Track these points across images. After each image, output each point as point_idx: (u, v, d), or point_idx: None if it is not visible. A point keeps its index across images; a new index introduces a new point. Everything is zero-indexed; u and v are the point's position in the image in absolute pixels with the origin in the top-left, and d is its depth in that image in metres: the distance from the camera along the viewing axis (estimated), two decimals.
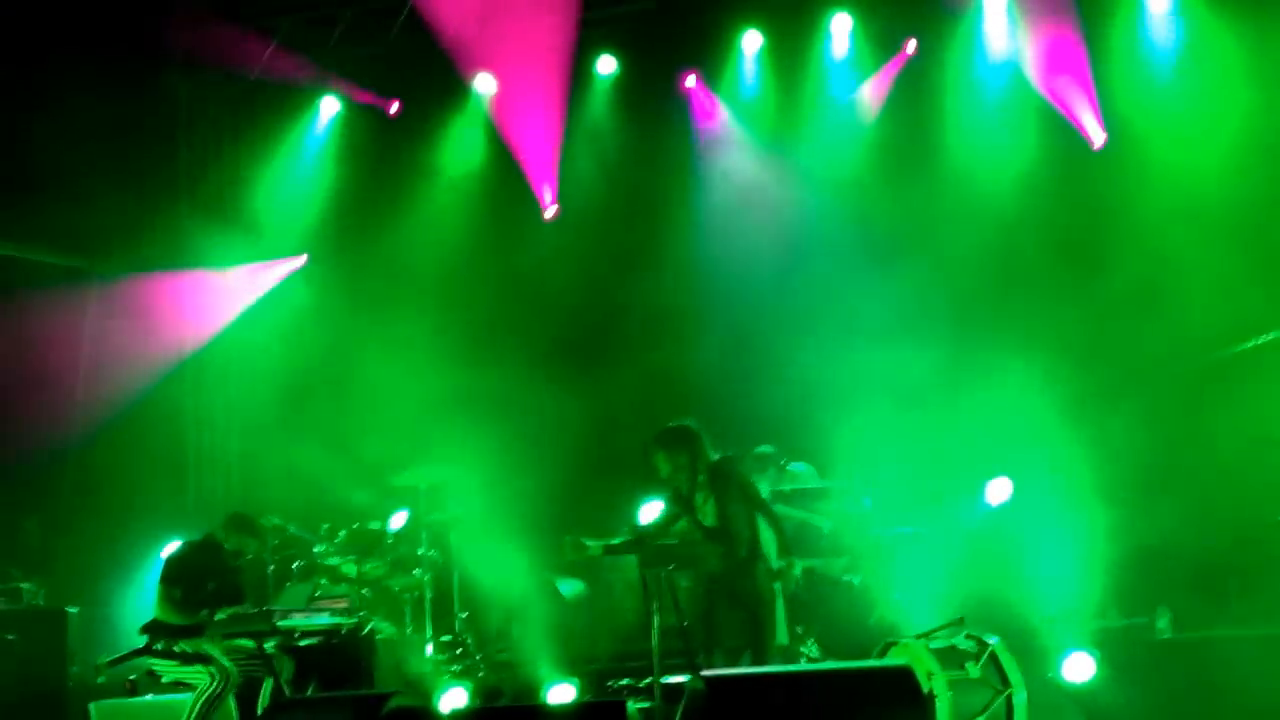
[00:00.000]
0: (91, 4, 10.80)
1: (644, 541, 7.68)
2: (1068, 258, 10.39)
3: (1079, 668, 8.35)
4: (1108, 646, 8.41)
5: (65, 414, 11.00)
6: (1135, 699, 8.05)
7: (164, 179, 12.13)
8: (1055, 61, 10.90)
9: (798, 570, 7.48)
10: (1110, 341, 9.94)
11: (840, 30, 11.60)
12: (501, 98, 12.08)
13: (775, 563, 7.51)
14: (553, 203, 12.09)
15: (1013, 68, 11.08)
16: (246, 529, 8.20)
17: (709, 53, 11.90)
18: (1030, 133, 10.99)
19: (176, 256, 12.06)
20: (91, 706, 8.23)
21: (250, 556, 8.33)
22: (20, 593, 9.30)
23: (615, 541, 7.88)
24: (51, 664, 9.01)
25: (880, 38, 11.56)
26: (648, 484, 7.66)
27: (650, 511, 7.84)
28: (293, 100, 12.27)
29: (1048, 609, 8.56)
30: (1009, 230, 10.49)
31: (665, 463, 7.56)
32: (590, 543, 7.91)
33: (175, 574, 7.96)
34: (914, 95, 11.35)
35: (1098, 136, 10.87)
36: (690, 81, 12.01)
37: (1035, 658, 8.04)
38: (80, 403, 11.10)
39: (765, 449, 9.55)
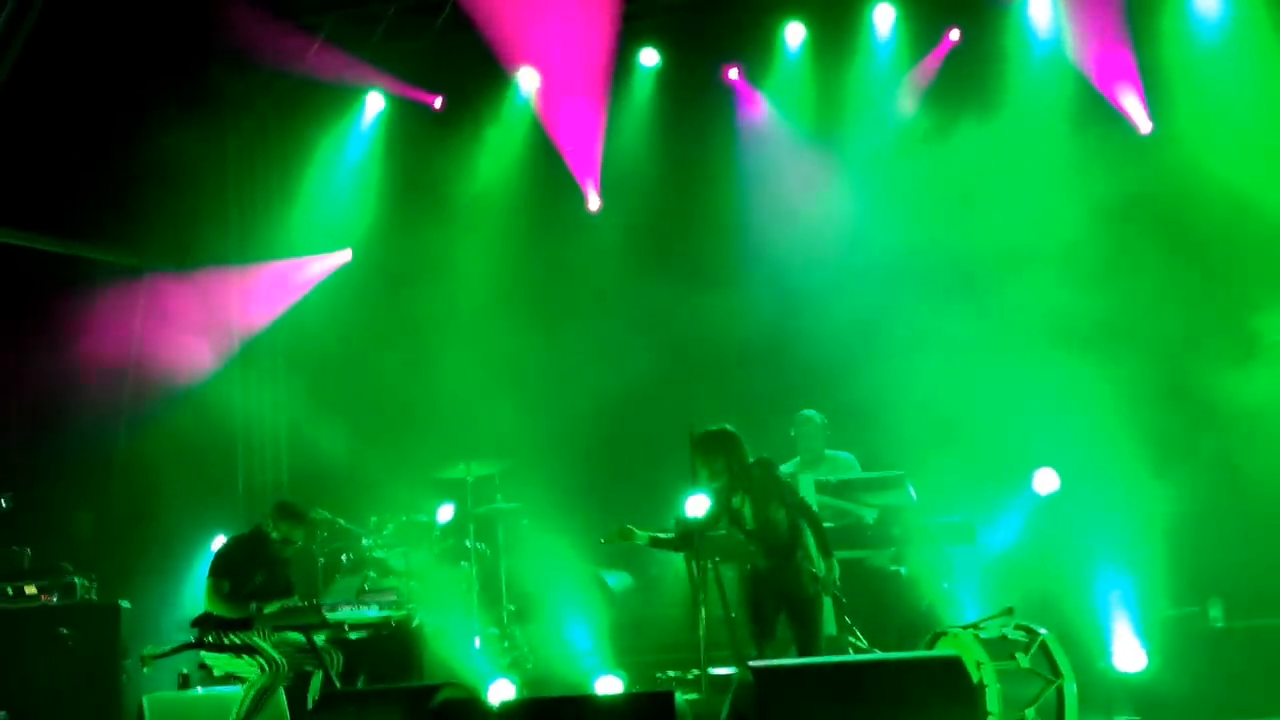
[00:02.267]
0: (139, 4, 10.88)
1: (689, 537, 7.68)
2: (1118, 245, 10.28)
3: (1131, 658, 8.30)
4: (1160, 636, 8.36)
5: (116, 409, 11.12)
6: (1188, 688, 7.99)
7: (212, 176, 12.22)
8: (1101, 48, 10.78)
9: (836, 574, 7.46)
10: (1163, 329, 9.83)
11: (884, 21, 11.54)
12: (545, 91, 12.10)
13: (817, 565, 7.48)
14: (596, 195, 12.10)
15: (1058, 56, 10.98)
16: (293, 516, 8.22)
17: (752, 45, 11.87)
18: (1077, 121, 10.89)
19: (224, 252, 12.16)
20: (144, 699, 8.31)
21: (298, 544, 8.34)
22: (74, 587, 9.37)
23: (663, 535, 7.89)
24: (105, 657, 9.07)
25: (924, 28, 11.49)
26: (693, 477, 7.62)
27: (695, 504, 7.83)
28: (338, 97, 12.33)
29: (1097, 599, 8.49)
30: (1057, 218, 10.40)
31: (703, 467, 7.57)
32: (638, 531, 7.92)
33: (224, 567, 8.02)
34: (958, 85, 11.26)
35: (1144, 124, 10.76)
36: (733, 74, 11.98)
37: (1086, 648, 8.00)
38: (131, 398, 11.22)
39: (810, 413, 9.55)
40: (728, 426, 7.68)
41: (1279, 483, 8.82)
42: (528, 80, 12.10)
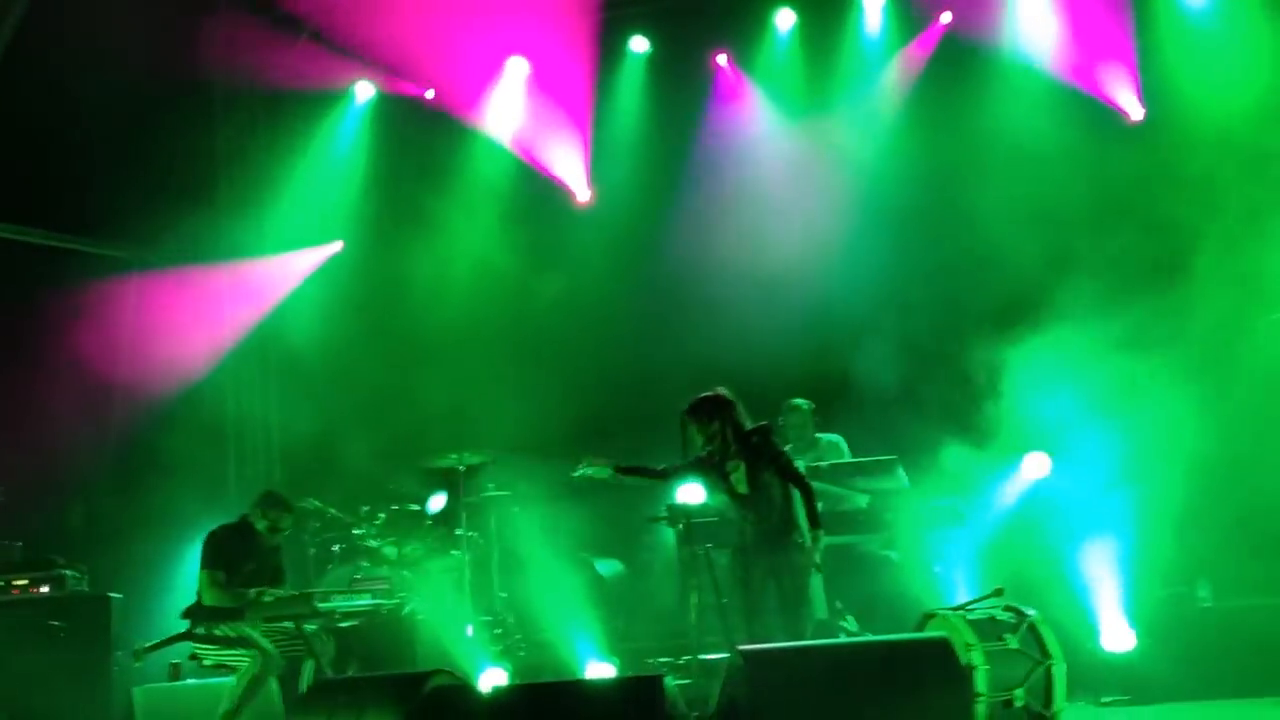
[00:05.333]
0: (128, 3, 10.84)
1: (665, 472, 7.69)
2: (1113, 227, 10.28)
3: (1119, 638, 8.33)
4: (1148, 616, 8.38)
5: (107, 402, 11.11)
6: (1176, 669, 8.02)
7: (202, 171, 12.20)
8: (1091, 40, 10.77)
9: (822, 544, 7.47)
10: (1152, 309, 9.83)
11: (873, 5, 11.53)
12: (533, 81, 12.09)
13: (804, 536, 7.50)
14: (586, 186, 12.10)
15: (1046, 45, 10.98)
16: (279, 504, 8.22)
17: (742, 31, 11.86)
18: (1068, 104, 10.89)
19: (215, 247, 12.14)
20: (135, 691, 8.31)
21: (286, 532, 8.35)
22: (64, 579, 9.36)
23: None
24: (96, 650, 9.07)
25: (914, 12, 11.48)
26: (684, 446, 7.64)
27: (688, 492, 7.85)
28: (327, 89, 12.30)
29: (1086, 580, 8.52)
30: (1048, 201, 10.40)
31: (699, 432, 7.58)
32: (602, 468, 7.91)
33: (216, 557, 8.01)
34: (949, 69, 11.25)
35: (1135, 111, 10.76)
36: (722, 60, 11.96)
37: (1075, 629, 8.01)
38: (122, 391, 11.21)
39: (800, 402, 9.58)
40: (721, 391, 7.67)
41: (1267, 463, 8.82)
42: (516, 70, 12.09)
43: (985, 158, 10.70)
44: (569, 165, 12.09)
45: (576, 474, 8.01)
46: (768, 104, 11.85)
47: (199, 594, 8.01)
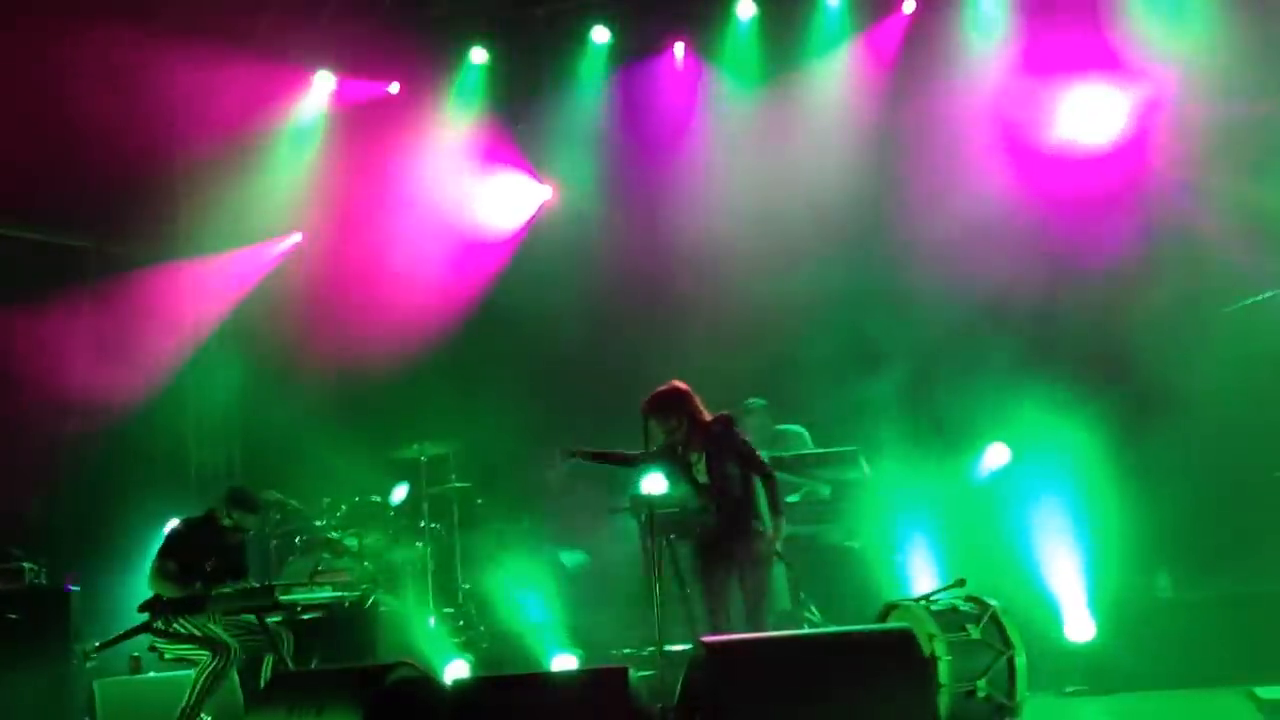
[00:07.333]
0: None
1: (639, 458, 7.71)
2: (1069, 220, 10.34)
3: (1080, 628, 8.40)
4: (1108, 607, 8.45)
5: (67, 396, 10.99)
6: (1135, 659, 8.09)
7: (159, 166, 12.07)
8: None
9: (784, 533, 7.53)
10: (1111, 301, 9.91)
11: None
12: (494, 71, 12.05)
13: (765, 524, 7.53)
14: (544, 178, 12.07)
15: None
16: (245, 504, 8.17)
17: (703, 21, 11.82)
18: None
19: (173, 245, 12.02)
20: (95, 684, 8.24)
21: (251, 532, 8.31)
22: (22, 572, 9.27)
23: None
24: (55, 643, 8.99)
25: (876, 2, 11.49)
26: (645, 441, 7.64)
27: (651, 483, 7.85)
28: (286, 80, 12.18)
29: (1047, 570, 8.58)
30: (1010, 193, 10.44)
31: (659, 426, 7.61)
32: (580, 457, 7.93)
33: (172, 549, 7.96)
34: (913, 58, 11.25)
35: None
36: (679, 48, 11.93)
37: (1036, 619, 8.07)
38: (82, 384, 11.09)
39: (756, 402, 9.59)
40: (679, 384, 7.72)
41: (1225, 456, 8.91)
42: (477, 59, 12.03)
43: (948, 150, 10.72)
44: (529, 159, 12.05)
45: (564, 465, 8.00)
46: (729, 91, 11.80)
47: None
